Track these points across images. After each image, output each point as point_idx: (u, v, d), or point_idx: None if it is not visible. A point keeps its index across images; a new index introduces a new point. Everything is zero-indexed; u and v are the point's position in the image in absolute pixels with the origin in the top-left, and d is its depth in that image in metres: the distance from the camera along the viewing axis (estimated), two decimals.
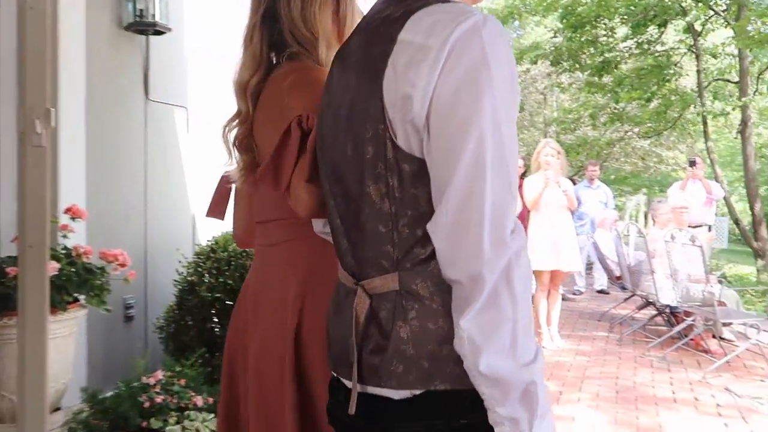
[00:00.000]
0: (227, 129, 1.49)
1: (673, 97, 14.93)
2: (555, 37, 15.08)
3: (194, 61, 4.62)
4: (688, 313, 5.86)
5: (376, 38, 0.97)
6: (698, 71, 14.12)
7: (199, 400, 3.23)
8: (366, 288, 1.00)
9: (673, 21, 14.15)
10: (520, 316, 0.88)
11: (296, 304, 1.37)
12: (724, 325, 5.73)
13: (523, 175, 6.94)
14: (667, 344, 5.94)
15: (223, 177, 1.64)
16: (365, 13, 1.11)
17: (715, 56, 15.20)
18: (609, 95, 15.58)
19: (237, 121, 1.48)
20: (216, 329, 3.70)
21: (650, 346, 5.96)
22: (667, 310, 6.46)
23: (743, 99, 13.11)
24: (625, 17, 13.94)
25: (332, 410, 1.11)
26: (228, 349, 1.56)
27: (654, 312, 6.87)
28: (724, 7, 13.19)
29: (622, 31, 14.76)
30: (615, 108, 16.08)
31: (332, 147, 1.06)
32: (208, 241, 4.01)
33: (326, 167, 1.10)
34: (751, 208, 13.80)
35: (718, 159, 16.00)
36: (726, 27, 13.93)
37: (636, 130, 17.98)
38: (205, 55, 4.61)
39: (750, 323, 5.56)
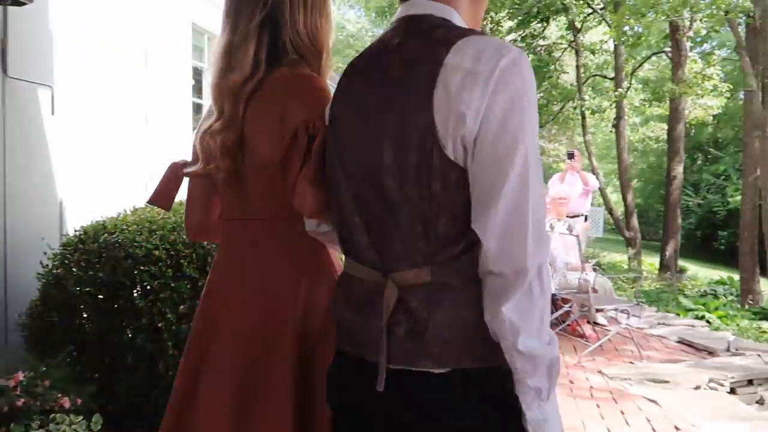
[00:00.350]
0: (207, 133, 1.47)
1: (554, 92, 15.60)
2: None
3: (61, 37, 4.28)
4: (565, 300, 6.11)
5: (418, 60, 1.11)
6: (578, 67, 14.81)
7: (66, 402, 3.00)
8: (395, 280, 1.13)
9: (555, 17, 14.75)
10: (545, 304, 1.07)
11: (297, 293, 1.45)
12: (598, 311, 6.01)
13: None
14: None
15: (174, 166, 1.66)
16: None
17: (593, 53, 16.01)
18: None
19: (220, 125, 1.46)
20: (87, 326, 3.45)
21: None
22: None
23: (617, 95, 13.89)
24: (511, 11, 14.39)
25: (349, 391, 1.24)
26: (194, 341, 1.56)
27: None
28: (602, 5, 13.87)
29: (508, 24, 15.22)
30: None
31: (360, 152, 1.18)
32: (76, 231, 3.73)
33: (349, 170, 1.20)
34: (624, 199, 14.69)
35: (595, 152, 16.90)
36: (603, 24, 14.68)
37: None
38: (75, 31, 4.28)
39: (621, 309, 5.88)
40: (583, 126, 15.06)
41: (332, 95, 1.30)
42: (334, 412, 1.30)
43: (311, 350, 1.44)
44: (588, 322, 6.26)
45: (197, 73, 7.47)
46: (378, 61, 1.21)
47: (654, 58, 19.25)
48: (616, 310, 6.02)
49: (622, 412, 4.01)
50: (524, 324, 1.04)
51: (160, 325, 2.35)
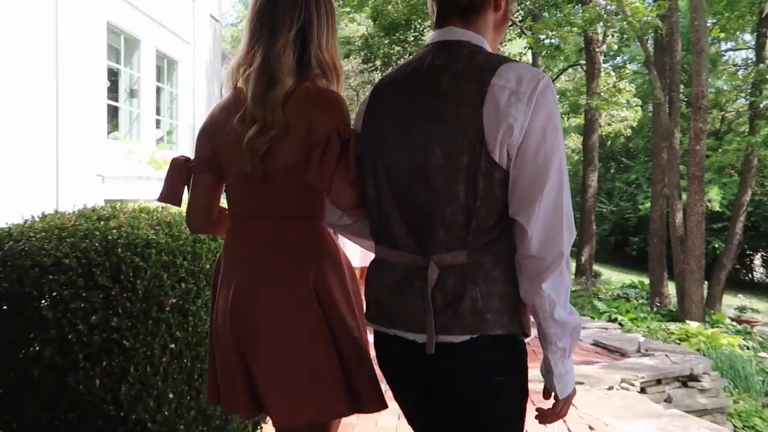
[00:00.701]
0: (252, 138, 1.59)
1: None
2: (368, 40, 15.41)
3: None
4: None
5: (467, 79, 1.35)
6: None
7: None
8: (435, 261, 1.35)
9: None
10: (569, 283, 1.36)
11: (318, 277, 1.64)
12: None
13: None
14: None
15: (176, 163, 1.77)
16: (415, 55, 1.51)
17: None
18: None
19: (259, 130, 1.59)
20: None
21: None
22: None
23: None
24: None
25: (391, 361, 1.50)
26: (218, 323, 1.73)
27: None
28: (521, 18, 14.27)
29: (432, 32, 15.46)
30: None
31: (406, 154, 1.40)
32: None
33: (391, 170, 1.43)
34: None
35: None
36: (523, 36, 15.11)
37: None
38: None
39: None
40: None
41: (369, 102, 1.53)
42: (388, 380, 1.55)
43: (331, 319, 1.65)
44: None
45: (112, 74, 7.22)
46: (423, 77, 1.42)
47: (570, 70, 19.99)
48: None
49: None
50: (557, 297, 1.32)
51: (70, 336, 2.24)
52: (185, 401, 2.46)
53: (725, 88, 19.28)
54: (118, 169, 6.54)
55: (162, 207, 2.74)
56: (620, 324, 7.87)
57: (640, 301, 12.54)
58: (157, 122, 7.49)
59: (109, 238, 2.32)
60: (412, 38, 15.07)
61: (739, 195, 14.55)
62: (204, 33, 8.63)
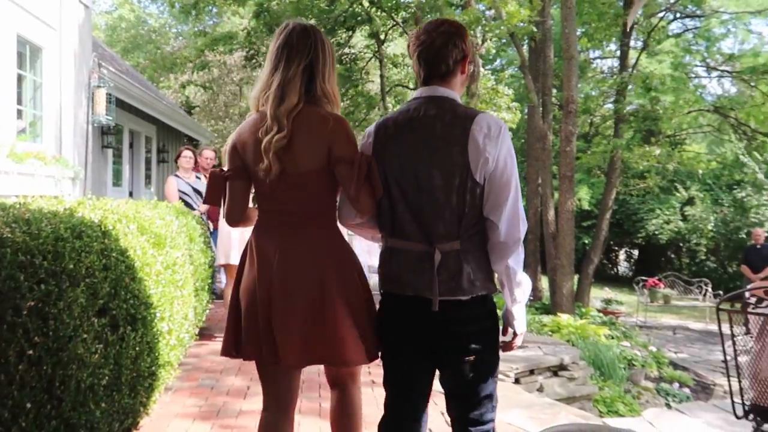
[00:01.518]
0: (268, 141, 2.12)
1: (360, 99, 16.00)
2: (250, 35, 15.09)
3: None
4: None
5: (453, 125, 2.04)
6: (381, 76, 15.32)
7: None
8: (439, 248, 2.02)
9: (360, 27, 15.14)
10: (523, 257, 2.09)
11: (331, 259, 2.20)
12: None
13: (216, 167, 6.79)
14: None
15: (213, 174, 2.30)
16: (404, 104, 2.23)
17: (396, 65, 16.65)
18: None
19: (279, 136, 2.12)
20: None
21: None
22: None
23: None
24: (319, 20, 14.53)
25: (408, 316, 2.10)
26: (249, 295, 2.24)
27: None
28: (404, 19, 14.48)
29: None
30: None
31: (416, 177, 2.06)
32: None
33: (404, 187, 2.09)
34: None
35: None
36: (405, 37, 15.33)
37: None
38: None
39: None
40: None
41: (376, 137, 2.18)
42: (391, 341, 2.18)
43: (347, 288, 2.19)
44: None
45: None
46: (422, 123, 2.09)
47: None
48: None
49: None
50: (517, 267, 2.07)
51: None
52: (45, 411, 2.29)
53: (593, 93, 20.52)
54: None
55: (20, 203, 2.54)
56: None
57: None
58: (19, 112, 6.96)
59: None
60: None
61: (606, 194, 15.51)
62: (72, 19, 8.09)
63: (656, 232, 21.09)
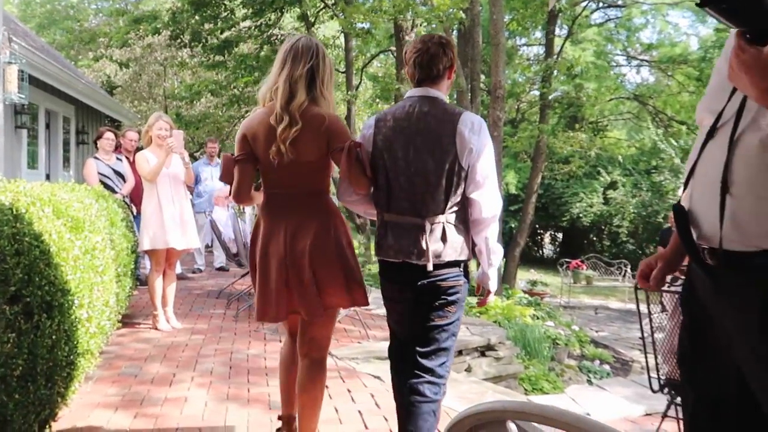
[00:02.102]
0: (283, 132, 2.59)
1: None
2: (175, 15, 14.59)
3: None
4: None
5: (443, 121, 2.50)
6: None
7: None
8: (428, 221, 2.51)
9: (289, 8, 14.88)
10: (498, 229, 2.64)
11: (329, 226, 2.71)
12: None
13: (138, 150, 6.56)
14: None
15: (225, 156, 2.78)
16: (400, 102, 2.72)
17: (326, 46, 16.45)
18: (229, 74, 15.77)
19: (290, 127, 2.59)
20: None
21: None
22: None
23: (349, 93, 14.47)
24: (246, 0, 14.20)
25: (403, 276, 2.61)
26: (262, 266, 2.77)
27: None
28: (334, 1, 14.31)
29: (242, 12, 14.98)
30: (235, 88, 16.35)
31: (412, 163, 2.53)
32: None
33: (400, 170, 2.56)
34: None
35: None
36: (335, 19, 15.18)
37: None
38: None
39: None
40: None
41: (375, 128, 2.67)
42: (390, 295, 2.74)
43: (342, 253, 2.74)
44: None
45: None
46: (416, 117, 2.55)
47: (382, 56, 20.50)
48: None
49: (349, 390, 4.18)
50: (493, 238, 2.56)
51: None
52: None
53: (520, 80, 20.91)
54: None
55: None
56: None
57: None
58: None
59: None
60: (223, 16, 14.53)
61: (531, 179, 15.88)
62: None
63: (580, 216, 21.78)
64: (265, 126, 2.63)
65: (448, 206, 2.52)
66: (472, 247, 2.64)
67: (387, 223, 2.64)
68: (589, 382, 6.55)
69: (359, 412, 3.79)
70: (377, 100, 20.06)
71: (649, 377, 2.98)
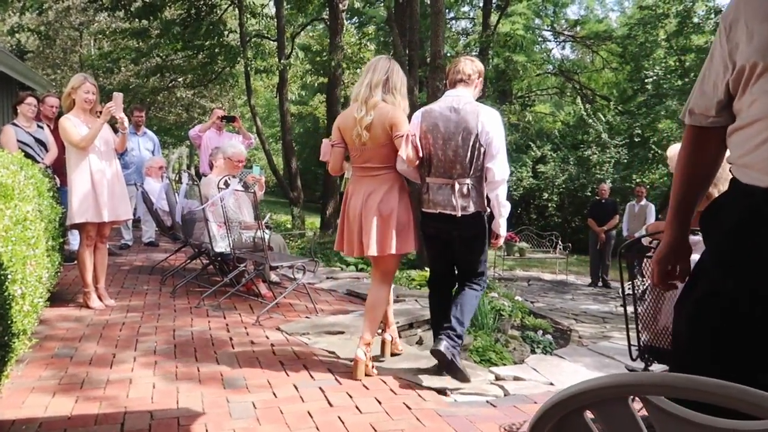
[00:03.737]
0: (360, 119, 3.81)
1: (217, 50, 15.12)
2: None
3: None
4: (240, 260, 5.91)
5: (470, 113, 3.74)
6: (240, 25, 14.54)
7: None
8: (458, 182, 3.76)
9: None
10: (506, 190, 3.86)
11: (394, 190, 3.88)
12: (273, 268, 5.94)
13: (59, 116, 6.06)
14: (220, 292, 5.94)
15: (325, 142, 4.04)
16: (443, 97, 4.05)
17: (254, 16, 15.88)
18: (152, 42, 15.00)
19: (363, 114, 3.79)
20: None
21: (204, 295, 5.85)
22: (219, 259, 6.44)
23: (282, 62, 14.01)
24: None
25: (438, 224, 3.88)
26: (348, 214, 3.97)
27: (206, 261, 6.82)
28: None
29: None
30: (159, 56, 15.57)
31: (447, 139, 3.74)
32: None
33: (439, 145, 3.77)
34: (287, 162, 14.99)
35: (259, 113, 16.91)
36: None
37: (181, 79, 17.74)
38: None
39: (297, 265, 5.85)
40: (248, 87, 14.90)
41: (422, 117, 3.87)
42: (428, 237, 4.03)
43: (401, 212, 3.90)
44: (263, 281, 6.17)
45: None
46: (450, 112, 3.76)
47: (312, 26, 19.98)
48: (291, 267, 6.00)
49: (306, 367, 3.99)
50: (502, 196, 3.78)
51: None
52: None
53: (452, 52, 20.86)
54: None
55: None
56: (369, 274, 8.07)
57: None
58: None
59: None
60: None
61: None
62: None
63: (511, 189, 22.04)
64: (351, 118, 3.85)
65: (471, 172, 3.72)
66: (487, 202, 3.79)
67: (429, 184, 3.85)
68: (533, 351, 6.56)
69: (320, 389, 3.59)
70: (309, 74, 19.59)
71: (630, 346, 2.93)
